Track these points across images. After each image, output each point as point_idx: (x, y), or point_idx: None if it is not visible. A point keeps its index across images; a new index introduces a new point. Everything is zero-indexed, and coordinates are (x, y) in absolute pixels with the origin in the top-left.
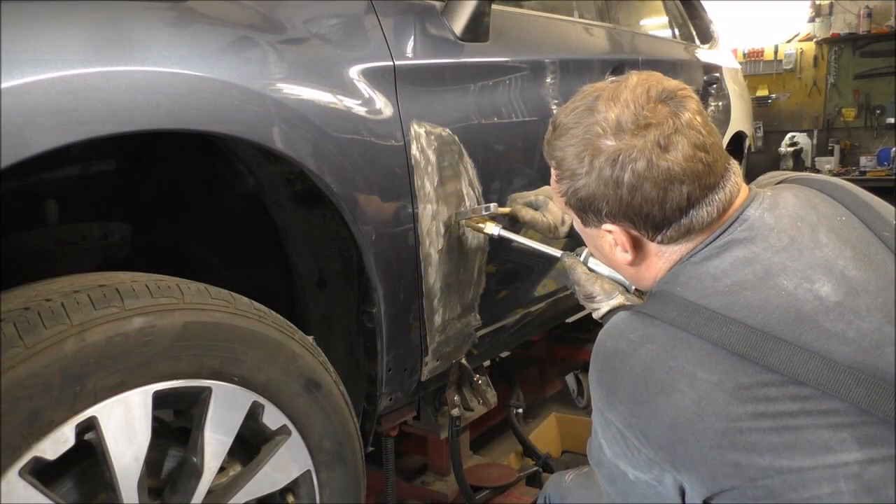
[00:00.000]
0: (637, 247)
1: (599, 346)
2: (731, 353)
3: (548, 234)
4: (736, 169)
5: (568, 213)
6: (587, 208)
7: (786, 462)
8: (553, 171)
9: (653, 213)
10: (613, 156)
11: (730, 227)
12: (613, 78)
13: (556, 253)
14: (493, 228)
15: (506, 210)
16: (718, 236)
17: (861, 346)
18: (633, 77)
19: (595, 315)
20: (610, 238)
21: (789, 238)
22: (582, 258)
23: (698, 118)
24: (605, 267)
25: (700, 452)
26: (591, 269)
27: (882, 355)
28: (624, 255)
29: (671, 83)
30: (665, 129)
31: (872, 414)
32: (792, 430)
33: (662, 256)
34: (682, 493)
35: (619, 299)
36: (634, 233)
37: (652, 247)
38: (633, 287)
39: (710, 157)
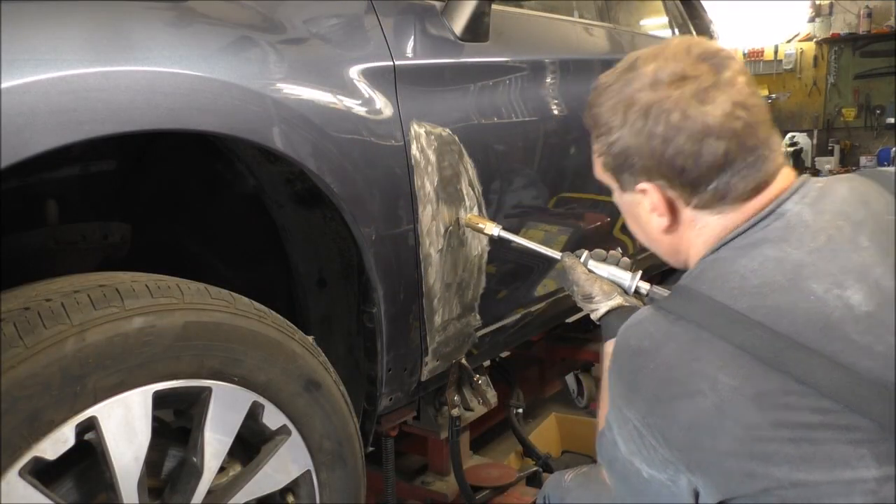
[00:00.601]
0: (672, 211)
1: (623, 342)
2: (754, 358)
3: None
4: (778, 145)
5: (606, 181)
6: (622, 166)
7: (802, 475)
8: (592, 133)
9: (687, 166)
10: (647, 107)
11: (763, 220)
12: None
13: (556, 254)
14: (493, 229)
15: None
16: (749, 229)
17: (888, 362)
18: (676, 38)
19: (593, 316)
20: (646, 203)
21: (826, 237)
22: (582, 259)
23: (741, 77)
24: (604, 268)
25: (716, 458)
26: (590, 271)
27: None
28: (660, 221)
29: (714, 45)
30: (703, 82)
31: (892, 432)
32: (810, 443)
33: (694, 227)
34: (696, 495)
35: (617, 300)
36: (670, 193)
37: (686, 214)
38: (633, 289)
39: (752, 117)
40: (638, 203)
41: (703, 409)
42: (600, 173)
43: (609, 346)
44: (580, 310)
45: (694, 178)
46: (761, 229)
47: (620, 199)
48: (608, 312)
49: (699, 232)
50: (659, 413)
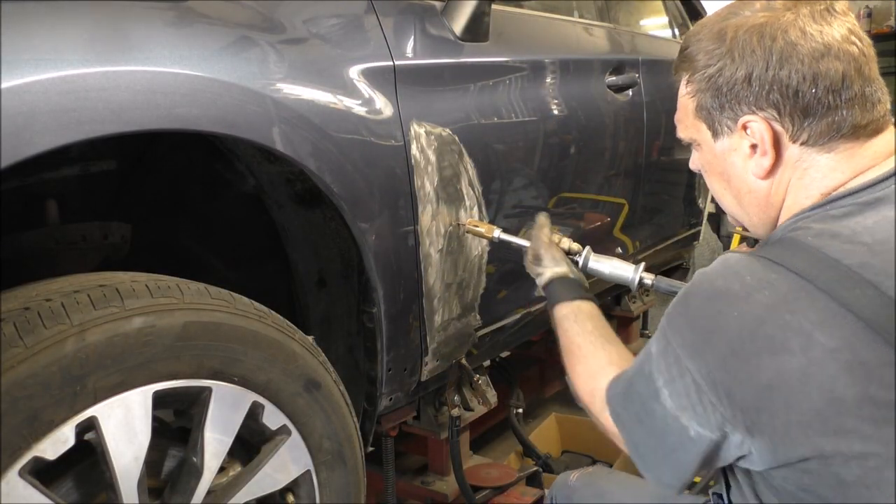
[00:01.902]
0: (777, 148)
1: (704, 283)
2: (858, 319)
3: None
4: (888, 95)
5: (693, 134)
6: (725, 99)
7: (873, 459)
8: (683, 81)
9: (803, 90)
10: (760, 27)
11: (881, 183)
12: None
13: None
14: (493, 232)
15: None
16: (864, 189)
17: None
18: None
19: (538, 281)
20: (745, 145)
21: None
22: (583, 254)
23: (852, 15)
24: (606, 262)
25: (785, 426)
26: (592, 269)
27: None
28: (761, 163)
29: None
30: (818, 6)
31: None
32: (891, 424)
33: (799, 168)
34: (740, 457)
35: (563, 269)
36: (777, 127)
37: (792, 152)
38: (637, 281)
39: (867, 48)
40: (734, 148)
41: (788, 370)
42: (690, 123)
43: (559, 310)
44: None
45: (808, 102)
46: (879, 189)
47: (710, 151)
48: (552, 280)
49: (802, 174)
50: (732, 368)
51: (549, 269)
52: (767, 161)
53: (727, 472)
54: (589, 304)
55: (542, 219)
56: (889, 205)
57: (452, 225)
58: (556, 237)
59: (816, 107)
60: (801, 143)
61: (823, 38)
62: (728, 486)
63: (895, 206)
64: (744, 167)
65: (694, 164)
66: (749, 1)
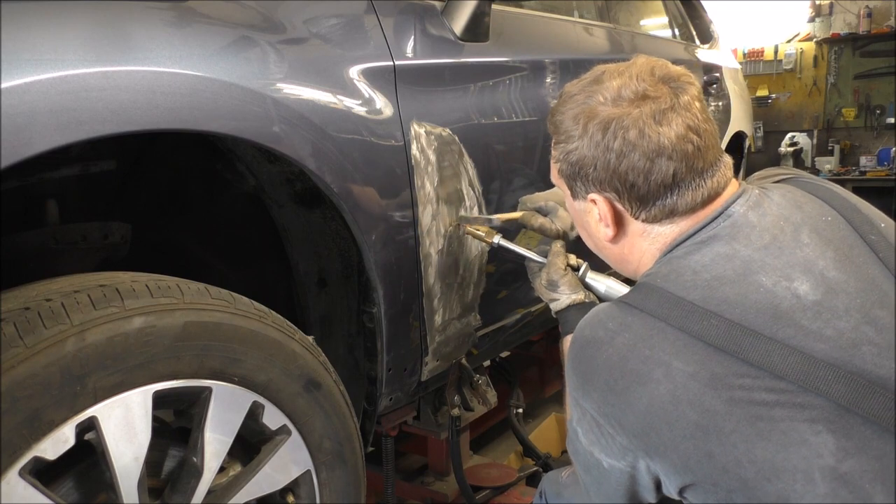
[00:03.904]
0: (619, 223)
1: (578, 333)
2: (708, 346)
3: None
4: (728, 162)
5: (560, 187)
6: (576, 174)
7: (760, 452)
8: (553, 139)
9: (637, 183)
10: (607, 121)
11: (713, 221)
12: None
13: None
14: (493, 237)
15: (516, 215)
16: (701, 229)
17: (838, 344)
18: (642, 58)
19: (553, 307)
20: (595, 212)
21: (771, 237)
22: (581, 270)
23: (697, 103)
24: (602, 280)
25: (673, 441)
26: (587, 285)
27: (858, 353)
28: (605, 231)
29: (676, 69)
30: (662, 104)
31: (851, 411)
32: (767, 421)
33: (647, 237)
34: (657, 484)
35: (580, 296)
36: (619, 207)
37: (636, 225)
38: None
39: (703, 142)
40: (588, 211)
41: (658, 396)
42: (555, 178)
43: (567, 343)
44: None
45: (643, 194)
46: (712, 229)
47: (572, 206)
48: (569, 307)
49: (653, 241)
50: (614, 402)
51: (567, 295)
52: (610, 232)
53: None
54: None
55: (558, 246)
56: (719, 241)
57: (452, 226)
58: (572, 260)
59: (649, 196)
60: (642, 220)
61: (660, 140)
62: None
63: (724, 242)
64: (596, 228)
65: (566, 205)
66: (607, 82)
